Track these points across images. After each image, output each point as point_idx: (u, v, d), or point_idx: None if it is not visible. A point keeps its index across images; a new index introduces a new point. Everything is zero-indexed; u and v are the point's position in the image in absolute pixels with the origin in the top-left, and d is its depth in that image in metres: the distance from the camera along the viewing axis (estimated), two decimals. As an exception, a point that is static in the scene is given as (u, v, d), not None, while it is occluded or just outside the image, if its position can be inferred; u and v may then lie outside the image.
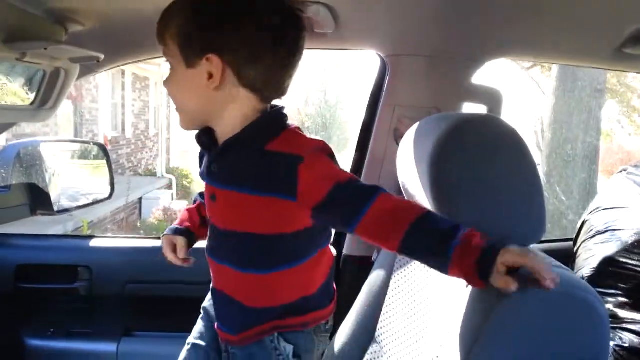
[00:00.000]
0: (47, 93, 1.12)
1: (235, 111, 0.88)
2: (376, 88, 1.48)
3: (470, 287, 0.83)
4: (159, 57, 1.52)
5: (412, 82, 1.41)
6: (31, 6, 0.94)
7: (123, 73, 9.91)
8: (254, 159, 0.87)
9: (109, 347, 1.54)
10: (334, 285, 1.06)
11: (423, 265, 1.06)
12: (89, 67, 1.21)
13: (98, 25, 1.09)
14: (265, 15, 0.84)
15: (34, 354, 1.55)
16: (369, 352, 1.17)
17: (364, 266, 1.37)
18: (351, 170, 1.56)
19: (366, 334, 1.18)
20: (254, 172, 0.87)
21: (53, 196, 2.04)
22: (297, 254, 0.93)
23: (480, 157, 0.88)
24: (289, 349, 0.96)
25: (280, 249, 0.91)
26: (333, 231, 0.99)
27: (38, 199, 1.70)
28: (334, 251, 1.05)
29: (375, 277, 1.23)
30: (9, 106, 1.05)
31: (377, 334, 1.17)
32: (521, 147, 0.88)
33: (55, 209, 1.73)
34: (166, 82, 0.90)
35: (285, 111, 0.93)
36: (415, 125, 1.04)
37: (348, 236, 1.55)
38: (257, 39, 0.83)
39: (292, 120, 0.96)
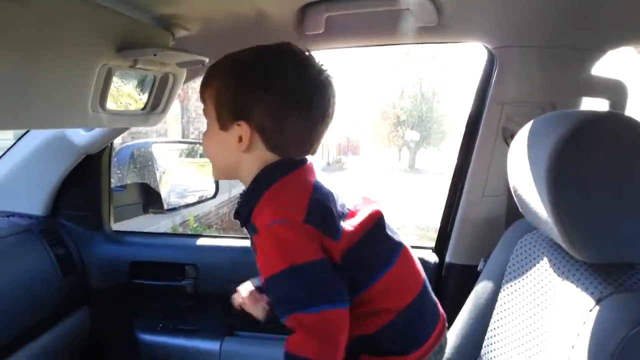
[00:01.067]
0: (157, 98, 1.16)
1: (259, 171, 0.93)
2: (482, 83, 1.37)
3: (599, 306, 0.75)
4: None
5: (524, 76, 1.30)
6: (140, 14, 0.97)
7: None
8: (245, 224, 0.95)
9: (212, 345, 1.58)
10: (429, 334, 0.98)
11: (538, 279, 0.99)
12: (195, 71, 1.24)
13: (202, 30, 1.11)
14: (293, 85, 0.88)
15: (144, 347, 1.63)
16: (474, 368, 1.11)
17: (468, 275, 1.30)
18: (455, 173, 1.49)
19: (472, 349, 1.12)
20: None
21: (163, 194, 2.16)
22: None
23: (608, 160, 0.78)
24: None
25: None
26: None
27: (150, 198, 1.80)
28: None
29: (481, 288, 1.16)
30: (123, 112, 1.10)
31: (483, 351, 1.10)
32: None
33: (165, 207, 1.83)
34: (204, 137, 0.97)
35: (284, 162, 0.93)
36: (529, 124, 0.96)
37: (451, 242, 1.47)
38: (284, 107, 0.88)
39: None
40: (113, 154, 1.65)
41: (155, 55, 0.98)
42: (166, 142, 3.20)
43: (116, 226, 1.70)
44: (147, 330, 1.64)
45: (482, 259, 1.30)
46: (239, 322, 1.60)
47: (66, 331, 1.48)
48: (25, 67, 0.79)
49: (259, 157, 0.91)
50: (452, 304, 1.19)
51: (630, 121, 0.80)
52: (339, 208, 0.90)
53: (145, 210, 1.77)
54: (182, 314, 1.64)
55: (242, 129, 0.89)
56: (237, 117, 0.89)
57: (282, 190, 0.89)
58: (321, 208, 0.87)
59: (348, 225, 0.89)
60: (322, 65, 0.92)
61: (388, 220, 0.97)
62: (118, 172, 1.68)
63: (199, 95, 0.98)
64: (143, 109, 1.16)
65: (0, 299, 1.26)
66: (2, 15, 0.70)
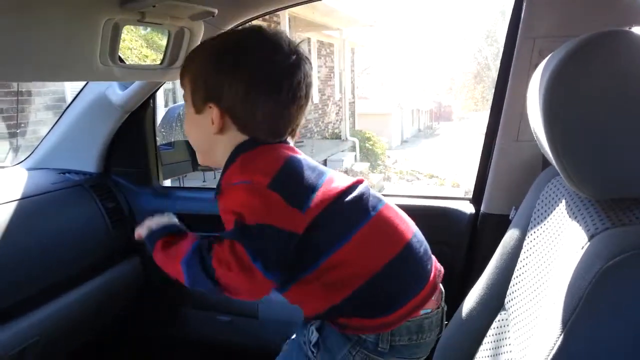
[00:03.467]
0: (174, 52, 1.20)
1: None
2: (514, 19, 1.27)
3: (590, 242, 0.68)
4: (279, 9, 1.52)
5: (555, 7, 1.18)
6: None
7: (309, 41, 10.40)
8: None
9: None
10: (406, 303, 0.92)
11: (556, 223, 0.92)
12: (215, 25, 1.26)
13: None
14: (261, 68, 0.89)
15: (190, 292, 1.72)
16: (496, 319, 1.06)
17: (502, 225, 1.21)
18: (490, 117, 1.40)
19: (495, 299, 1.07)
20: None
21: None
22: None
23: (608, 85, 0.69)
24: (314, 337, 0.93)
25: None
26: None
27: (198, 155, 1.87)
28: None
29: (509, 237, 1.10)
30: (138, 65, 1.15)
31: (506, 299, 1.05)
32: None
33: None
34: (184, 123, 1.00)
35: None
36: (543, 61, 0.87)
37: (486, 192, 1.40)
38: (252, 90, 0.88)
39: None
40: (157, 112, 1.73)
41: (154, 6, 1.00)
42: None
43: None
44: None
45: (514, 208, 1.24)
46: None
47: (119, 275, 1.61)
48: (25, 21, 0.84)
49: (232, 138, 0.92)
50: (485, 255, 1.14)
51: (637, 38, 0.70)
52: (313, 181, 0.89)
53: (194, 168, 1.85)
54: None
55: (212, 111, 0.91)
56: (208, 100, 0.91)
57: (253, 157, 0.90)
58: (291, 177, 0.87)
59: (317, 197, 0.87)
60: (295, 47, 0.92)
61: (364, 188, 0.95)
62: (162, 131, 1.76)
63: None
64: (161, 63, 1.20)
65: (53, 245, 1.40)
66: None
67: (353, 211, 0.91)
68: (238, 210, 0.84)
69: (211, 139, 0.93)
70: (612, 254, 0.60)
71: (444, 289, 1.02)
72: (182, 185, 2.08)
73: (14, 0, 0.81)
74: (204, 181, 4.12)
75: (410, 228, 0.96)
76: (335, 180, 0.93)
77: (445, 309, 1.00)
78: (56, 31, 0.91)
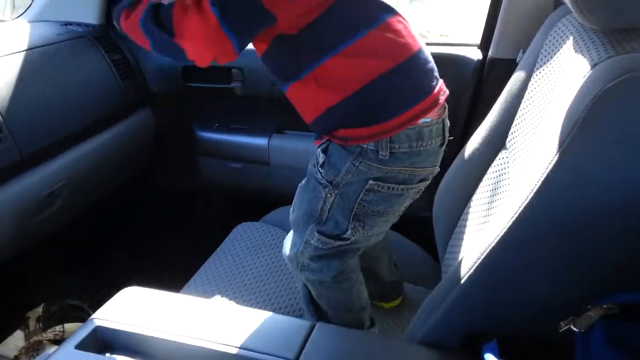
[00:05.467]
0: None
1: None
2: None
3: (592, 70, 0.70)
4: None
5: None
6: None
7: None
8: None
9: (262, 140, 1.70)
10: (399, 112, 0.90)
11: (561, 59, 0.92)
12: None
13: None
14: None
15: (202, 142, 1.80)
16: (498, 157, 1.10)
17: (508, 69, 1.23)
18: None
19: (498, 139, 1.10)
20: None
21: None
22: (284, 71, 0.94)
23: None
24: (321, 157, 0.96)
25: (271, 66, 0.98)
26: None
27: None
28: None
29: (515, 79, 1.10)
30: None
31: (508, 139, 1.09)
32: None
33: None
34: None
35: None
36: None
37: (494, 38, 1.38)
38: None
39: None
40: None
41: None
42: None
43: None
44: (204, 128, 1.79)
45: (521, 51, 1.23)
46: (285, 122, 1.71)
47: (132, 126, 1.66)
48: None
49: None
50: (490, 101, 1.16)
51: None
52: None
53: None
54: (234, 114, 1.76)
55: None
56: None
57: None
58: None
59: None
60: None
61: None
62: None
63: None
64: None
65: (68, 94, 1.43)
66: None
67: (358, 14, 0.89)
68: None
69: None
70: (612, 76, 0.62)
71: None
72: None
73: None
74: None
75: (417, 44, 0.94)
76: None
77: (448, 123, 1.00)
78: None
